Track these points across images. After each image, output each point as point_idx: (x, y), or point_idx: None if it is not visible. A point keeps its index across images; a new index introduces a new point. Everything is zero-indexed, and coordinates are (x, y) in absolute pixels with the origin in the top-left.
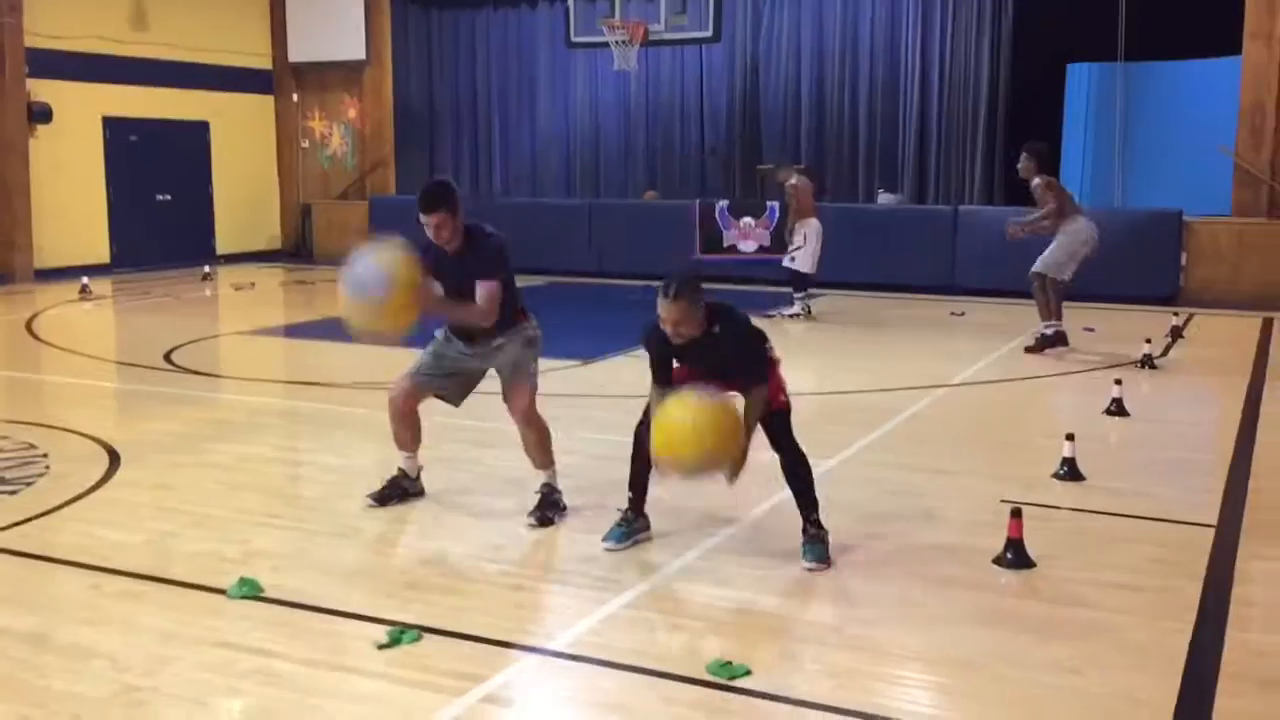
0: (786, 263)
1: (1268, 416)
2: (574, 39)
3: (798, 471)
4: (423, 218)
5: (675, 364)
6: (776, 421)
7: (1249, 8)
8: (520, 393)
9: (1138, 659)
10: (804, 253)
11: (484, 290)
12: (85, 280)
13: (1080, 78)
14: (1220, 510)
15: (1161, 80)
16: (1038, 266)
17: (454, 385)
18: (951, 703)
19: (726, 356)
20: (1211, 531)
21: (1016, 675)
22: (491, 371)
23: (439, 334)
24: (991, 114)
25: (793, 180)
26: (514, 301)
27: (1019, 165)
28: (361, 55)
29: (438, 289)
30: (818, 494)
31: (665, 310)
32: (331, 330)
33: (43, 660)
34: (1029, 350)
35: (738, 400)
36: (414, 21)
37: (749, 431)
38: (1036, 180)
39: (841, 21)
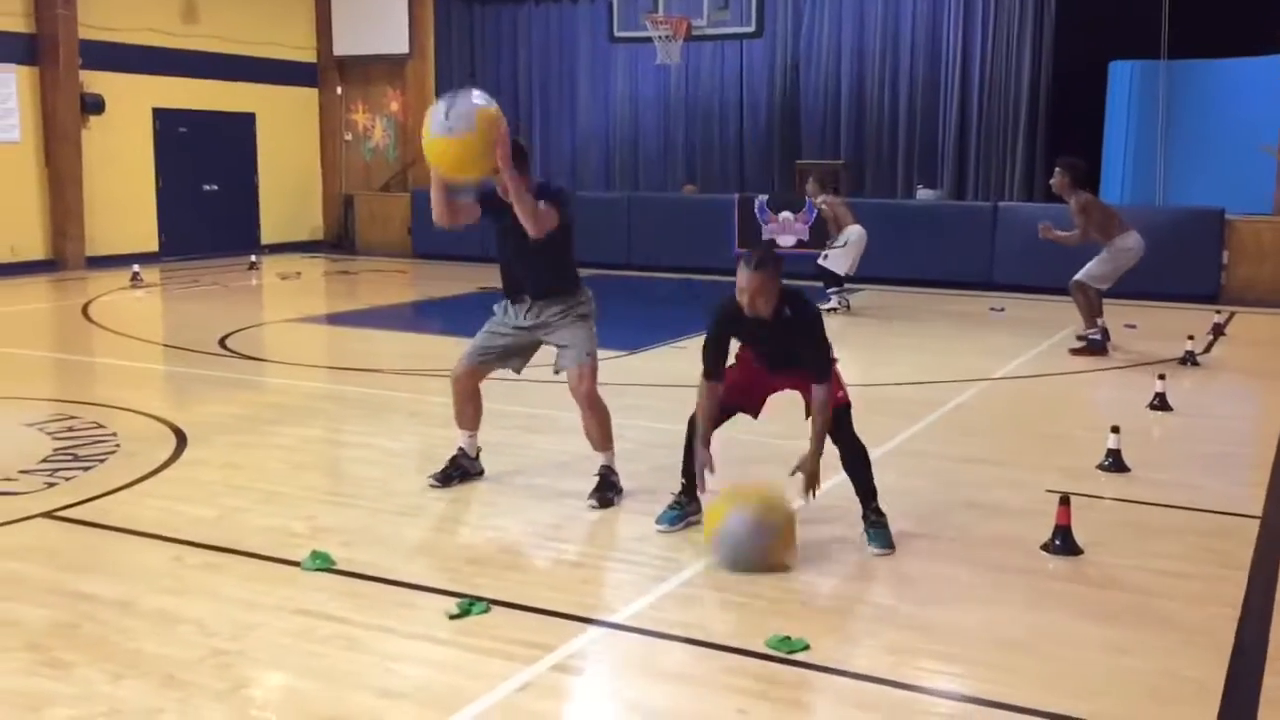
0: (820, 260)
1: None
2: (617, 33)
3: (858, 463)
4: None
5: (734, 357)
6: (837, 417)
7: None
8: (583, 376)
9: (1186, 640)
10: (840, 254)
11: (547, 207)
12: (136, 268)
13: (1122, 75)
14: (1265, 503)
15: (1204, 78)
16: (1080, 276)
17: (511, 356)
18: (1005, 678)
19: (793, 342)
20: (1256, 523)
21: (1067, 654)
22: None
23: (497, 309)
24: (1032, 111)
25: (820, 198)
26: (573, 264)
27: (1052, 180)
28: (404, 49)
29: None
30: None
31: (746, 279)
32: (378, 319)
33: (132, 625)
34: (1074, 352)
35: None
36: (457, 15)
37: (819, 442)
38: (1072, 200)
39: (882, 18)
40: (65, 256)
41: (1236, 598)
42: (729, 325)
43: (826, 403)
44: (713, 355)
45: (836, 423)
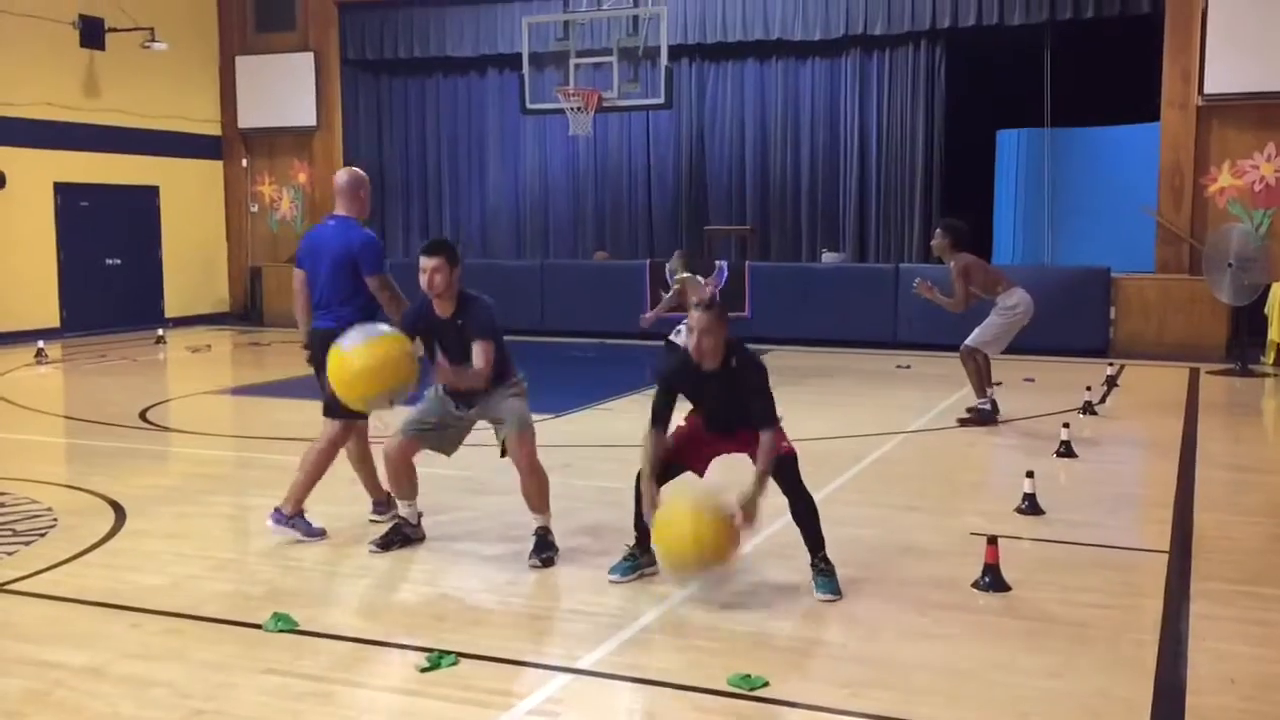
0: (673, 336)
1: (1204, 455)
2: (530, 105)
3: (806, 513)
4: (423, 260)
5: (682, 416)
6: (784, 468)
7: (1166, 79)
8: (523, 442)
9: (1113, 664)
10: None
11: (481, 350)
12: (41, 344)
13: (1010, 143)
14: (1171, 538)
15: (1086, 145)
16: (970, 341)
17: (446, 438)
18: (950, 703)
19: (740, 393)
20: (1165, 557)
21: (1005, 680)
22: (483, 423)
23: (430, 392)
24: (927, 177)
25: (680, 275)
26: (505, 360)
27: (933, 242)
28: (312, 121)
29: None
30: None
31: (696, 319)
32: (296, 389)
33: (105, 690)
34: (963, 423)
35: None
36: (364, 88)
37: (760, 482)
38: (953, 263)
39: (783, 89)
40: None
41: (1155, 624)
42: (677, 379)
43: (771, 449)
44: (660, 406)
45: (784, 473)
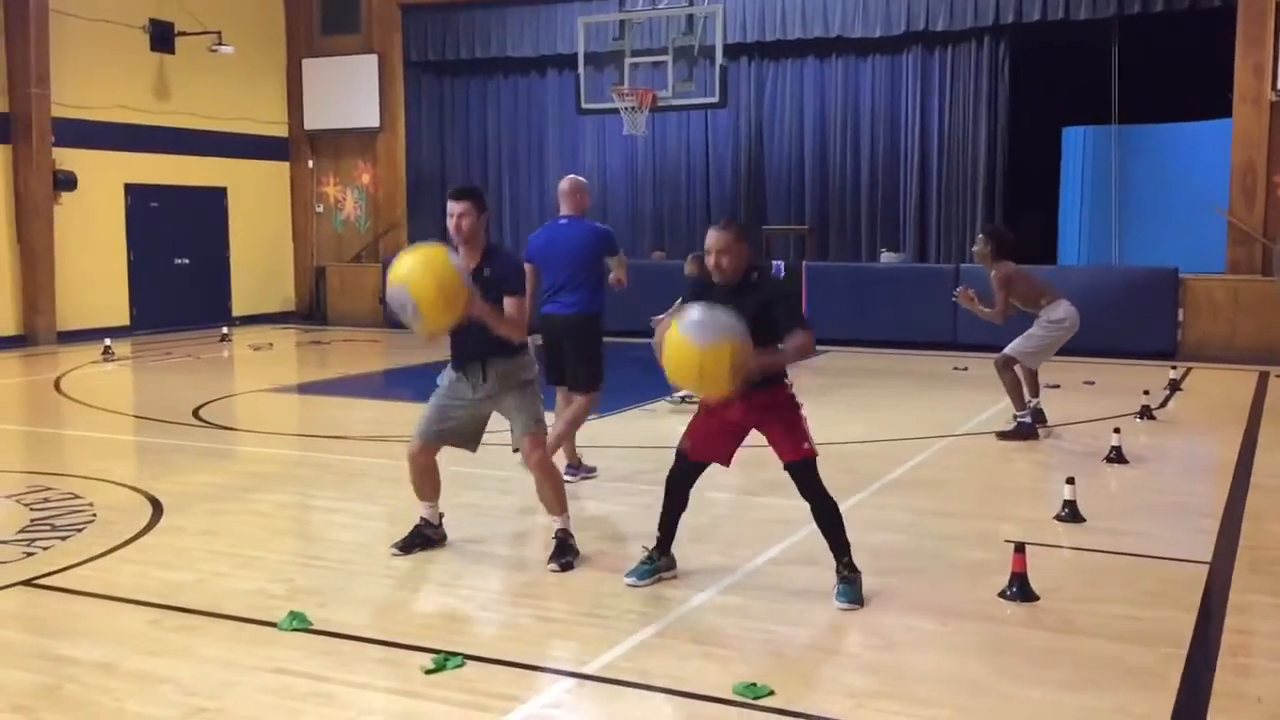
0: None
1: (1261, 464)
2: (585, 105)
3: (828, 518)
4: (450, 204)
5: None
6: (805, 471)
7: (1238, 73)
8: (534, 445)
9: (1135, 680)
10: None
11: (514, 305)
12: (108, 342)
13: (1075, 140)
14: (1214, 549)
15: (1155, 142)
16: (1010, 350)
17: (464, 432)
18: (957, 716)
19: (762, 304)
20: (1206, 568)
21: (1021, 694)
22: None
23: (441, 381)
24: (990, 175)
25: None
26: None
27: (975, 249)
28: (375, 123)
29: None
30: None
31: (713, 238)
32: (350, 387)
33: (114, 685)
34: (1002, 436)
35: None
36: (427, 89)
37: (773, 358)
38: (994, 271)
39: (843, 87)
40: (36, 331)
41: (1184, 638)
42: (700, 292)
43: (800, 348)
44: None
45: (804, 476)
